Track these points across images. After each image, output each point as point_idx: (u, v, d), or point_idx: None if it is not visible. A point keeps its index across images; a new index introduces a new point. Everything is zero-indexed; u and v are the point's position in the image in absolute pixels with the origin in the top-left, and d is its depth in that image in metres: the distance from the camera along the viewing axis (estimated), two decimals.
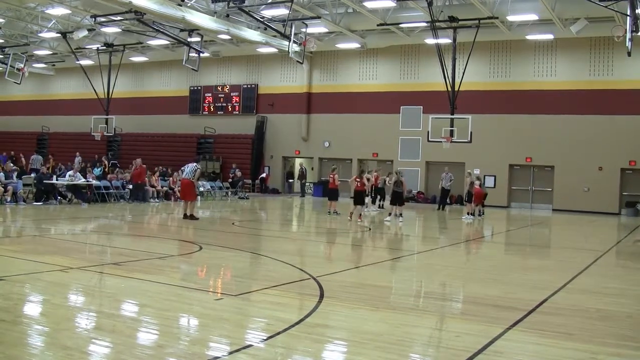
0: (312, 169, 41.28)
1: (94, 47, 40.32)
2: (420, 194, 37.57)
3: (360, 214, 22.51)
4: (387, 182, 28.15)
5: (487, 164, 35.38)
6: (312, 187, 40.04)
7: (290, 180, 41.36)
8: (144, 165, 29.28)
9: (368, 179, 27.74)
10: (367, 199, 27.79)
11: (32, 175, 27.84)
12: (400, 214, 23.92)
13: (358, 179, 22.74)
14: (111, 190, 27.49)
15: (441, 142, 30.94)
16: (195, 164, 21.06)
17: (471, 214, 26.34)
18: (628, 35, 23.26)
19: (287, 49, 32.76)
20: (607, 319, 8.26)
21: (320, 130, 40.54)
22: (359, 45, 37.56)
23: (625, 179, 33.46)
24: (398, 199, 23.59)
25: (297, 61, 33.84)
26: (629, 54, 24.42)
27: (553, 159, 34.63)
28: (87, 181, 26.59)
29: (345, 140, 39.55)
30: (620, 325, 7.99)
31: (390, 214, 23.44)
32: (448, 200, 31.38)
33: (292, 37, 32.16)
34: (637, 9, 22.89)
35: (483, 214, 27.40)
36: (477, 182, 27.09)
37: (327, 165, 37.25)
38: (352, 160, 38.77)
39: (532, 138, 34.86)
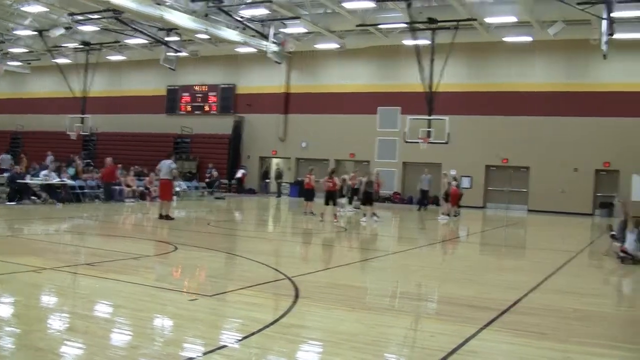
0: (289, 169, 41.23)
1: (71, 45, 39.99)
2: (396, 195, 37.65)
3: (335, 214, 22.49)
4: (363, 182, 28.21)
5: (464, 164, 35.53)
6: (289, 188, 40.02)
7: (267, 181, 41.31)
8: (116, 165, 29.08)
9: (344, 180, 27.87)
10: (344, 200, 27.87)
11: (5, 175, 27.48)
12: (374, 214, 24.01)
13: (329, 180, 22.72)
14: (86, 190, 27.26)
15: (418, 143, 31.06)
16: (170, 161, 20.79)
17: (447, 214, 26.46)
18: (604, 39, 23.53)
19: (265, 49, 32.75)
20: (581, 318, 8.34)
21: (297, 130, 40.51)
22: (338, 46, 37.56)
23: (599, 180, 33.81)
24: (368, 199, 23.74)
25: (276, 61, 33.90)
26: (605, 57, 24.68)
27: (529, 160, 34.87)
28: (62, 181, 26.33)
29: (323, 141, 39.55)
30: (594, 324, 8.07)
31: (364, 215, 23.50)
32: (425, 201, 31.48)
33: (270, 37, 32.17)
34: (613, 12, 23.14)
35: (459, 214, 27.52)
36: (453, 183, 27.29)
37: (304, 165, 37.21)
38: (329, 161, 38.68)
39: (509, 139, 35.07)
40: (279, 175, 39.29)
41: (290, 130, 40.88)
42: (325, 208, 22.20)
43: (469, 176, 35.54)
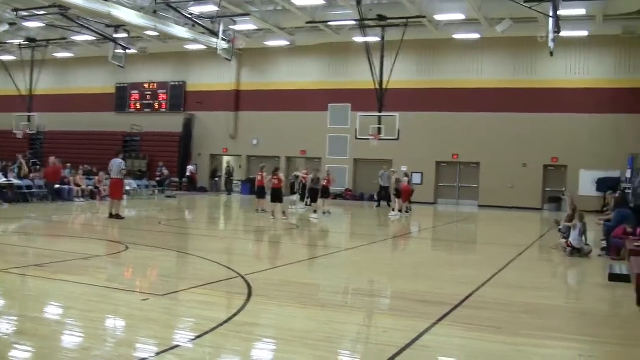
0: (240, 166, 41.04)
1: (16, 42, 39.15)
2: (348, 191, 37.74)
3: (284, 212, 22.45)
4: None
5: (415, 161, 35.72)
6: (240, 185, 39.83)
7: (216, 179, 40.99)
8: (62, 164, 28.62)
9: (297, 177, 27.96)
10: (296, 197, 27.93)
11: None
12: (328, 211, 24.27)
13: (274, 177, 22.66)
14: (34, 190, 26.75)
15: (369, 139, 31.05)
16: (120, 160, 20.56)
17: (400, 210, 26.61)
18: (550, 36, 23.89)
19: (215, 46, 32.50)
20: (531, 311, 8.47)
21: (248, 128, 40.33)
22: (288, 43, 37.40)
23: (547, 175, 34.30)
24: (314, 196, 23.84)
25: (226, 59, 33.59)
26: (552, 54, 25.03)
27: (479, 156, 35.15)
28: (8, 181, 25.79)
29: (274, 138, 39.42)
30: (544, 317, 8.21)
31: (315, 212, 23.60)
32: (384, 197, 31.56)
33: (220, 34, 31.91)
34: (559, 10, 23.54)
35: (410, 210, 27.69)
36: (404, 179, 27.40)
37: (255, 163, 36.96)
38: (280, 158, 38.73)
39: (459, 135, 35.33)
40: (229, 173, 39.09)
41: (241, 127, 40.69)
42: (275, 206, 22.13)
43: (419, 172, 35.72)
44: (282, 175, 23.38)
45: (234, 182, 39.96)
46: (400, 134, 30.63)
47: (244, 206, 30.71)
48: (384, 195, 31.42)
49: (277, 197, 22.25)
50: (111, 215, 19.83)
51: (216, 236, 17.93)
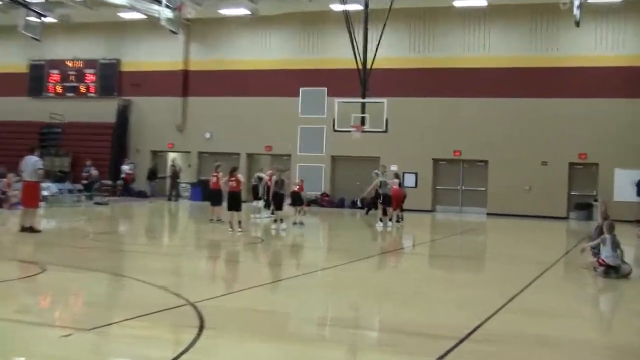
0: (190, 166, 40.97)
1: None
2: (324, 196, 37.65)
3: (240, 222, 22.13)
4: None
5: (407, 158, 35.60)
6: (190, 189, 39.67)
7: (156, 181, 40.51)
8: None
9: (260, 179, 27.82)
10: (260, 203, 27.84)
11: None
12: (300, 222, 24.31)
13: (231, 179, 22.51)
14: None
15: (350, 132, 30.89)
16: (36, 158, 20.24)
17: (389, 219, 26.53)
18: (576, 2, 23.91)
19: (157, 16, 32.27)
20: (553, 346, 8.46)
21: (199, 117, 40.19)
22: (249, 12, 37.39)
23: (574, 175, 34.24)
24: (279, 202, 23.84)
25: (171, 31, 33.40)
26: (577, 24, 25.04)
27: (487, 152, 35.02)
28: None
29: (232, 131, 39.28)
30: (569, 353, 8.23)
31: (281, 221, 23.55)
32: (359, 204, 31.53)
33: (164, 0, 31.69)
34: None
35: (402, 219, 27.65)
36: (394, 181, 27.33)
37: (209, 161, 36.93)
38: (239, 156, 38.61)
39: (462, 127, 35.22)
40: (175, 174, 38.84)
41: (190, 117, 40.59)
42: (232, 215, 22.02)
43: (413, 173, 35.60)
44: (241, 176, 23.28)
45: (182, 185, 39.87)
46: (389, 124, 30.27)
47: (194, 215, 30.74)
48: (373, 201, 31.42)
49: (234, 203, 22.13)
50: (24, 228, 19.35)
51: (159, 253, 17.83)
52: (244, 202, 23.39)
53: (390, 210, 26.70)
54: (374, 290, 12.63)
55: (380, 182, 26.63)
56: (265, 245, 19.53)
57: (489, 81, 34.83)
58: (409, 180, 34.74)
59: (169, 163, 40.26)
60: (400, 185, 27.88)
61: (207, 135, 40.11)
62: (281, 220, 23.43)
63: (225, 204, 23.00)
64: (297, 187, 26.67)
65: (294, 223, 24.61)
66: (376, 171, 27.95)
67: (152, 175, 40.53)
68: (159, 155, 42.12)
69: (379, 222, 26.17)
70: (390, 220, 26.54)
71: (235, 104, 39.17)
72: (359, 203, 32.95)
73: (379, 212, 27.18)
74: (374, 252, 19.61)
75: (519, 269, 15.92)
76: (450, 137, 35.55)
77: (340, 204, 37.06)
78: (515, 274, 14.87)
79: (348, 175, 36.68)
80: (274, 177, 24.53)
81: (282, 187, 23.84)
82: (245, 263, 16.36)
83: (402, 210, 27.99)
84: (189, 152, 41.02)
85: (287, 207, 24.77)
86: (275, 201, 23.96)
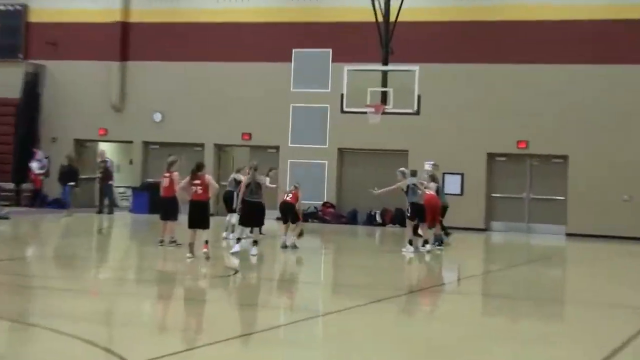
0: (131, 162, 41.07)
1: None
2: (327, 207, 37.64)
3: (207, 242, 21.94)
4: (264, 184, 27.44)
5: (448, 153, 35.33)
6: (131, 197, 39.78)
7: (70, 184, 39.53)
8: None
9: (238, 182, 27.16)
10: (234, 217, 26.91)
11: None
12: (294, 245, 24.27)
13: (196, 182, 22.12)
14: None
15: (366, 113, 30.81)
16: None
17: (423, 241, 26.15)
18: None
19: None
20: None
21: (145, 92, 40.20)
22: None
23: None
24: (247, 215, 23.45)
25: None
26: None
27: (566, 144, 34.81)
28: None
29: (193, 112, 39.34)
30: None
31: (254, 243, 23.19)
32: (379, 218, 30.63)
33: None
34: None
35: (447, 237, 27.51)
36: (430, 186, 26.95)
37: (160, 155, 36.67)
38: (203, 147, 38.62)
39: (530, 107, 35.07)
40: (106, 174, 37.69)
41: (132, 91, 40.56)
42: (194, 234, 21.76)
43: (458, 173, 35.48)
44: (209, 178, 23.05)
45: (119, 191, 40.18)
46: (422, 103, 30.21)
47: (136, 234, 31.68)
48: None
49: (199, 217, 21.93)
50: None
51: (83, 291, 17.61)
52: (212, 215, 23.55)
53: (423, 227, 26.36)
54: (400, 348, 12.33)
55: (408, 186, 26.30)
56: (241, 279, 19.60)
57: (567, 40, 34.65)
58: (452, 185, 34.69)
59: (99, 158, 39.27)
60: (437, 191, 27.48)
61: (157, 117, 40.02)
62: (254, 242, 23.16)
63: (183, 217, 22.90)
64: (289, 195, 26.10)
65: (284, 246, 24.59)
66: (402, 169, 27.57)
67: (68, 175, 39.24)
68: (86, 146, 42.11)
69: (407, 246, 25.93)
70: (425, 242, 26.08)
71: (197, 72, 39.21)
72: (378, 217, 32.09)
73: (407, 230, 26.85)
74: (399, 290, 19.17)
75: (613, 319, 15.65)
76: (513, 121, 35.29)
77: (351, 219, 37.05)
78: (607, 325, 14.71)
79: (362, 177, 36.19)
80: (245, 178, 24.06)
81: (256, 194, 23.23)
82: (210, 305, 16.26)
83: (445, 228, 27.72)
84: (129, 141, 41.02)
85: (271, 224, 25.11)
86: (244, 214, 23.47)
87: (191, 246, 21.62)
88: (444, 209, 27.83)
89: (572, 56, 34.31)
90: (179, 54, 39.25)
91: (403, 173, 27.28)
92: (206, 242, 21.81)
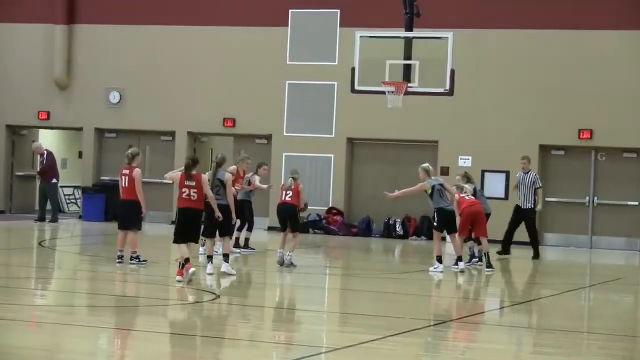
0: (80, 155, 41.13)
1: None
2: (334, 214, 37.70)
3: (187, 259, 21.68)
4: (253, 183, 27.80)
5: (490, 145, 35.62)
6: (81, 200, 39.78)
7: None
8: None
9: (221, 181, 27.13)
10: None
11: None
12: (225, 256, 23.66)
13: (190, 184, 21.81)
14: None
15: (384, 93, 30.73)
16: None
17: (457, 258, 26.37)
18: None
19: None
20: None
21: (98, 64, 40.39)
22: None
23: None
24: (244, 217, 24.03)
25: None
26: None
27: None
28: None
29: (159, 91, 39.52)
30: None
31: (224, 258, 23.30)
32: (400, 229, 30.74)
33: None
34: None
35: (486, 258, 26.96)
36: (467, 188, 27.23)
37: (118, 146, 37.05)
38: (174, 136, 38.81)
39: (595, 88, 35.14)
40: (48, 171, 37.86)
41: (81, 63, 40.71)
42: (181, 249, 21.69)
43: (502, 171, 35.55)
44: (206, 179, 22.84)
45: (65, 192, 40.54)
46: (457, 81, 30.31)
47: (90, 247, 31.40)
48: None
49: (192, 230, 21.97)
50: None
51: (20, 320, 17.22)
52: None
53: (457, 238, 26.53)
54: None
55: (433, 187, 26.30)
56: (221, 307, 19.46)
57: None
58: (494, 186, 34.96)
59: (37, 153, 39.47)
60: (475, 193, 27.76)
61: (114, 97, 40.07)
62: (225, 256, 23.29)
63: (147, 226, 22.77)
64: (289, 194, 25.96)
65: (281, 263, 24.73)
66: (426, 165, 27.23)
67: None
68: (22, 134, 42.33)
69: (436, 264, 26.11)
70: (460, 259, 26.32)
71: (166, 39, 39.60)
72: (398, 227, 32.21)
73: (435, 244, 26.84)
74: (425, 321, 19.06)
75: None
76: (574, 105, 35.32)
77: (365, 229, 37.14)
78: None
79: (377, 175, 36.73)
80: (232, 168, 24.47)
81: (218, 194, 23.28)
82: (179, 340, 15.71)
83: (474, 238, 27.75)
84: (78, 128, 41.14)
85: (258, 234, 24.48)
86: (221, 223, 23.18)
87: (182, 264, 21.42)
88: (485, 216, 27.72)
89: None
90: (143, 16, 39.44)
91: (426, 170, 27.58)
92: (186, 259, 21.55)
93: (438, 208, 26.01)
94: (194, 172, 21.76)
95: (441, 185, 26.26)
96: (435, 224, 26.59)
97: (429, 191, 26.05)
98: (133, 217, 24.70)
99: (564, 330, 18.79)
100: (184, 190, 21.67)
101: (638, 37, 34.47)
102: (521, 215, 30.90)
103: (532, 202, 30.48)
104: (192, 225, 21.89)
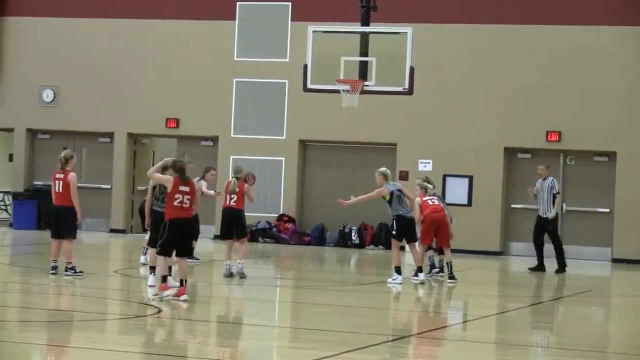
0: (11, 158, 41.07)
1: None
2: (285, 222, 37.72)
3: (165, 278, 21.49)
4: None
5: (452, 148, 35.67)
6: (11, 206, 39.87)
7: None
8: None
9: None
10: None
11: None
12: (160, 275, 23.23)
13: (184, 190, 21.19)
14: None
15: (339, 92, 30.67)
16: None
17: (417, 268, 26.47)
18: None
19: None
20: None
21: (30, 60, 40.35)
22: None
23: None
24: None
25: None
26: None
27: (612, 136, 35.09)
28: None
29: (96, 89, 39.36)
30: None
31: (156, 277, 22.94)
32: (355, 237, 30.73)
33: None
34: None
35: (446, 269, 27.37)
36: (431, 188, 27.46)
37: (52, 148, 36.78)
38: (112, 138, 38.63)
39: (563, 88, 35.27)
40: None
41: (10, 58, 40.77)
42: (161, 263, 21.71)
43: (465, 176, 35.75)
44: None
45: None
46: (416, 79, 30.26)
47: (20, 258, 31.29)
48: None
49: (185, 242, 21.66)
50: None
51: None
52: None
53: (417, 248, 26.63)
54: None
55: (392, 193, 26.33)
56: (164, 321, 19.26)
57: None
58: (456, 192, 35.04)
59: None
60: (441, 201, 27.91)
61: (47, 95, 39.96)
62: (158, 275, 22.67)
63: (82, 236, 22.46)
64: (233, 198, 25.80)
65: (229, 275, 24.77)
66: (383, 170, 27.24)
67: None
68: None
69: (395, 276, 26.17)
70: (418, 270, 26.47)
71: (103, 33, 39.55)
72: (354, 236, 32.21)
73: (394, 254, 26.84)
74: (383, 336, 19.04)
75: None
76: (540, 106, 35.55)
77: (318, 238, 37.25)
78: None
79: (332, 180, 36.90)
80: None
81: (163, 200, 22.86)
82: (117, 357, 15.18)
83: (437, 249, 27.86)
84: (9, 129, 41.03)
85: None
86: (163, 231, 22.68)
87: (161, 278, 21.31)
88: (447, 223, 27.65)
89: (628, 15, 34.68)
90: (78, 8, 39.32)
91: (383, 174, 27.56)
92: (164, 274, 21.38)
93: (397, 215, 26.06)
94: (187, 178, 21.31)
95: (400, 191, 26.35)
96: (393, 232, 26.60)
97: (387, 197, 26.12)
98: (68, 225, 24.48)
99: (530, 346, 18.96)
100: (177, 196, 21.03)
101: (608, 34, 34.71)
102: (543, 225, 31.28)
103: (552, 210, 30.69)
104: (184, 240, 21.32)
